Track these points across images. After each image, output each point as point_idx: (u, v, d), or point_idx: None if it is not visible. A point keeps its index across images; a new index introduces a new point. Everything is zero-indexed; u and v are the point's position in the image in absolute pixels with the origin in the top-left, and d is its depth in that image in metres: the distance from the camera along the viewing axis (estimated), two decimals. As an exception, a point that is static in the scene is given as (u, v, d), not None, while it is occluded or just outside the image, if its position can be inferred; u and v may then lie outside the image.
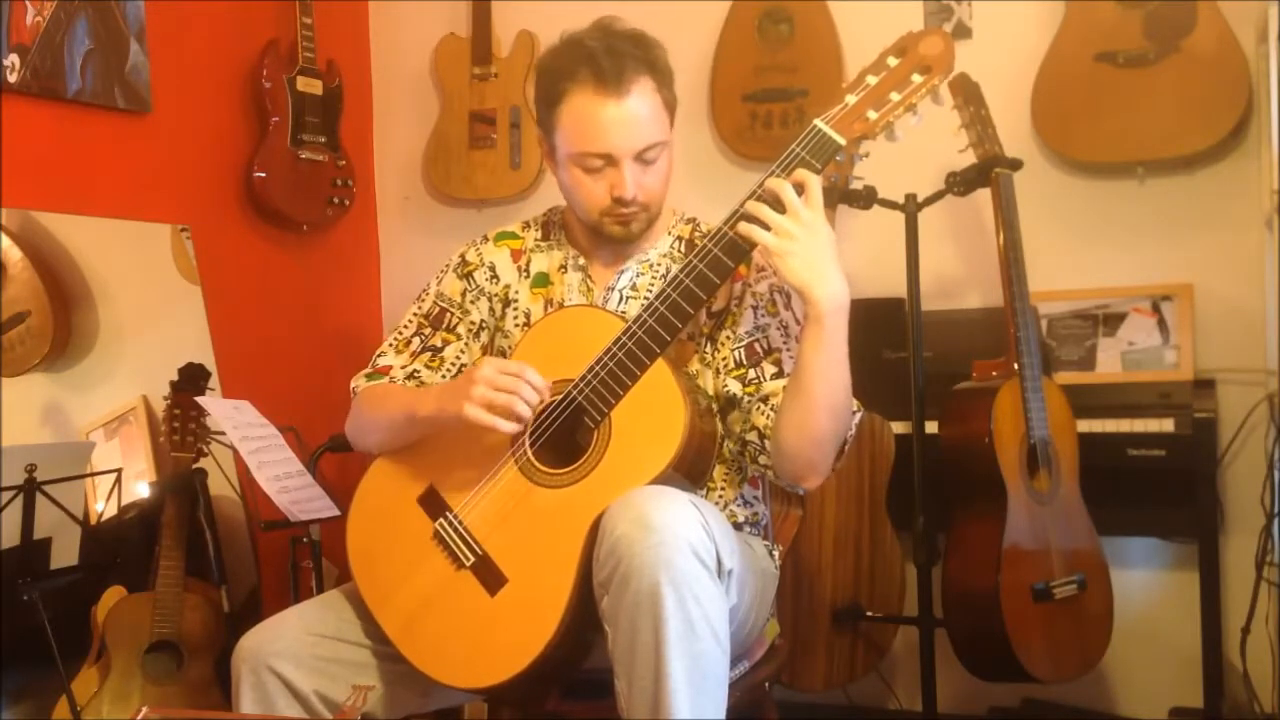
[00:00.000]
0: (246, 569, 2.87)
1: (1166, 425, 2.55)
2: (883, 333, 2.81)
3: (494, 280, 1.94)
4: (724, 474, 1.88)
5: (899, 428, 2.69)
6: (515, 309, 1.93)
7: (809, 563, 2.66)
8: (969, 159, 2.58)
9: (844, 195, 2.54)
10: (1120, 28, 2.74)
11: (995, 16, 2.97)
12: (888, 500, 2.73)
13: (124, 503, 2.54)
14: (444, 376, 1.91)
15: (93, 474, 2.43)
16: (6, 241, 2.56)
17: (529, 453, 1.71)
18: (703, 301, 1.69)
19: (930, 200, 2.63)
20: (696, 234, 1.92)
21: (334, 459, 2.88)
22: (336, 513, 2.44)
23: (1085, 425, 2.57)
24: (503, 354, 1.93)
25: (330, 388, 2.40)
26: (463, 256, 1.97)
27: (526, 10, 3.36)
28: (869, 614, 2.69)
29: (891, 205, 2.62)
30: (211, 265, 3.02)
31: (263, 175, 3.15)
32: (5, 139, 2.56)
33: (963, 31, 2.98)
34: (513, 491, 1.71)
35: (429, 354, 1.92)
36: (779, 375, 1.80)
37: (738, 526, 1.87)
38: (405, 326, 1.97)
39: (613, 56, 1.73)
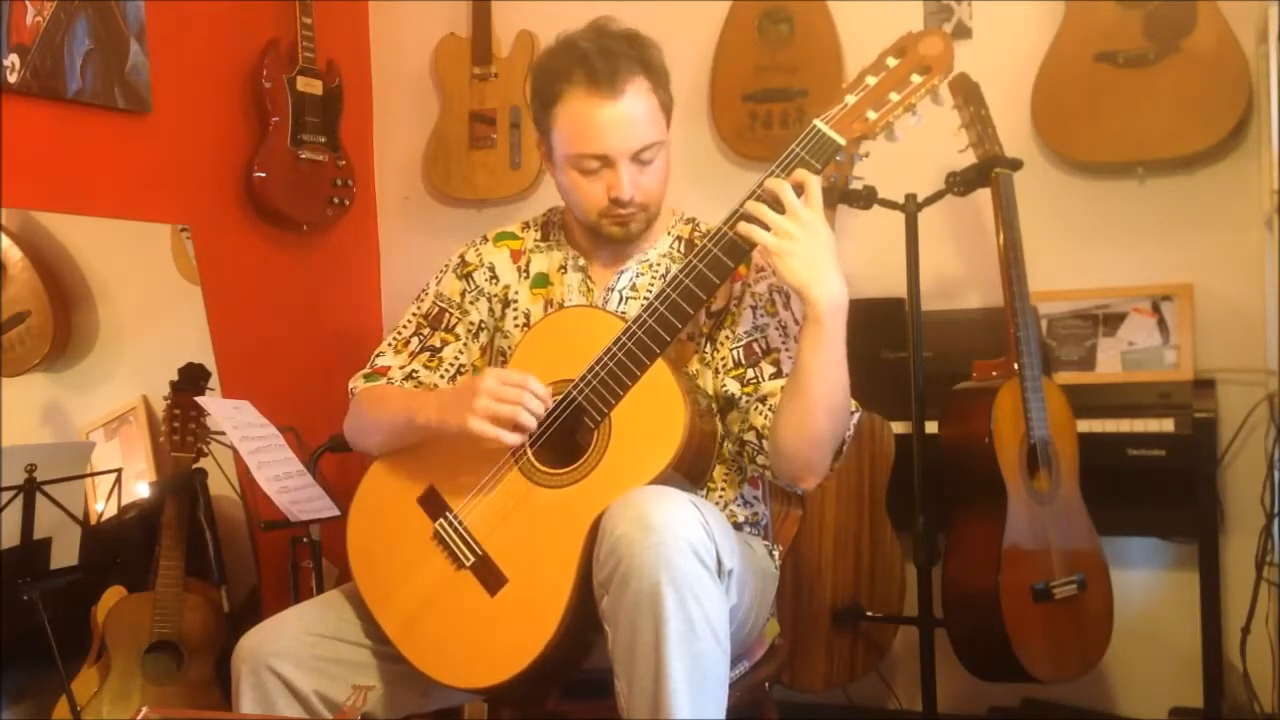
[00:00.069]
0: (246, 569, 2.87)
1: (1166, 425, 2.55)
2: (883, 333, 2.81)
3: (493, 281, 1.94)
4: (724, 474, 1.88)
5: (899, 428, 2.69)
6: (515, 309, 1.93)
7: (809, 563, 2.66)
8: (969, 159, 2.58)
9: (844, 195, 2.54)
10: (1120, 28, 2.74)
11: (995, 16, 2.97)
12: (888, 500, 2.73)
13: (124, 503, 2.54)
14: (442, 377, 1.91)
15: (93, 474, 2.43)
16: (6, 241, 2.57)
17: (529, 453, 1.71)
18: (702, 302, 1.69)
19: (930, 200, 2.63)
20: (696, 234, 1.92)
21: (334, 459, 2.88)
22: (336, 513, 2.44)
23: (1085, 425, 2.57)
24: (502, 354, 1.93)
25: (330, 388, 2.40)
26: (462, 257, 1.97)
27: (526, 10, 3.36)
28: (869, 614, 2.69)
29: (891, 205, 2.62)
30: (211, 265, 3.02)
31: (263, 175, 3.16)
32: (5, 139, 2.56)
33: (963, 31, 2.98)
34: (513, 491, 1.71)
35: (427, 354, 1.92)
36: (777, 375, 1.80)
37: (738, 526, 1.87)
38: (404, 326, 1.97)
39: (607, 57, 1.73)
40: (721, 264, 1.68)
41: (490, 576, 1.68)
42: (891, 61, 1.69)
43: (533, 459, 1.71)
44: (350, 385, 1.94)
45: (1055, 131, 2.85)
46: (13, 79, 2.58)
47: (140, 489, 2.65)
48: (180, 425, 2.52)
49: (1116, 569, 2.61)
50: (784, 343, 1.83)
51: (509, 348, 1.91)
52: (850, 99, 1.68)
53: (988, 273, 2.76)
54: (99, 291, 2.74)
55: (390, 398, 1.86)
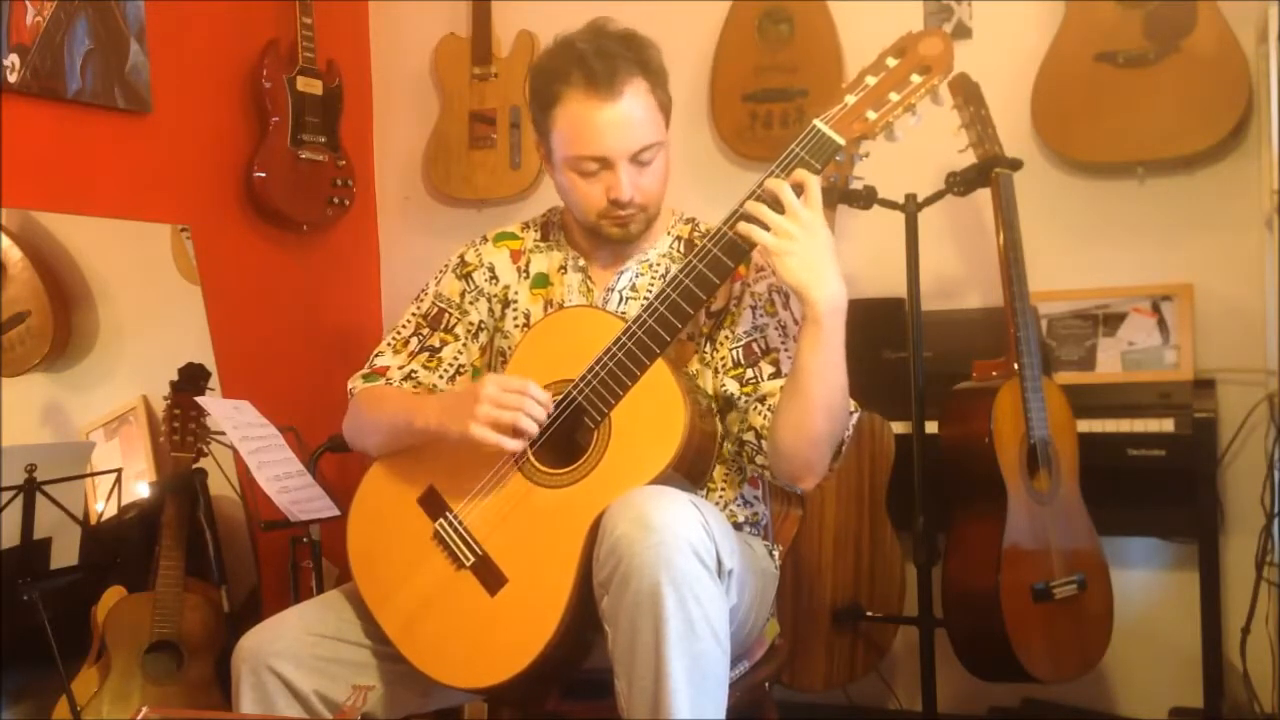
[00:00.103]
0: (246, 569, 2.87)
1: (1166, 425, 2.55)
2: (883, 333, 2.81)
3: (493, 281, 1.94)
4: (724, 474, 1.88)
5: (899, 428, 2.69)
6: (515, 310, 1.93)
7: (809, 563, 2.66)
8: (969, 159, 2.58)
9: (844, 195, 2.54)
10: (1120, 28, 2.74)
11: (995, 16, 2.97)
12: (888, 500, 2.73)
13: (124, 503, 2.54)
14: (441, 377, 1.91)
15: (93, 474, 2.43)
16: (6, 241, 2.57)
17: (529, 453, 1.71)
18: (702, 301, 1.69)
19: (930, 200, 2.63)
20: (696, 234, 1.92)
21: (334, 459, 2.88)
22: (336, 513, 2.44)
23: (1085, 425, 2.57)
24: (502, 354, 1.93)
25: (330, 388, 2.40)
26: (462, 257, 1.97)
27: (526, 10, 3.36)
28: (869, 614, 2.69)
29: (891, 205, 2.62)
30: (211, 265, 3.02)
31: (263, 175, 3.16)
32: (5, 139, 2.56)
33: (963, 31, 2.98)
34: (513, 492, 1.71)
35: (426, 354, 1.92)
36: (776, 375, 1.80)
37: (738, 526, 1.87)
38: (403, 326, 1.97)
39: (604, 59, 1.73)
40: (721, 264, 1.68)
41: (490, 576, 1.68)
42: (891, 61, 1.69)
43: (533, 459, 1.71)
44: (349, 385, 1.94)
45: (1055, 131, 2.85)
46: (13, 79, 2.58)
47: (140, 489, 2.65)
48: (180, 425, 2.52)
49: (1116, 569, 2.61)
50: (783, 343, 1.83)
51: (509, 348, 1.91)
52: (850, 99, 1.68)
53: (988, 273, 2.76)
54: (99, 291, 2.74)
55: (389, 399, 1.86)
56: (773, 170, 1.67)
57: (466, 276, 1.95)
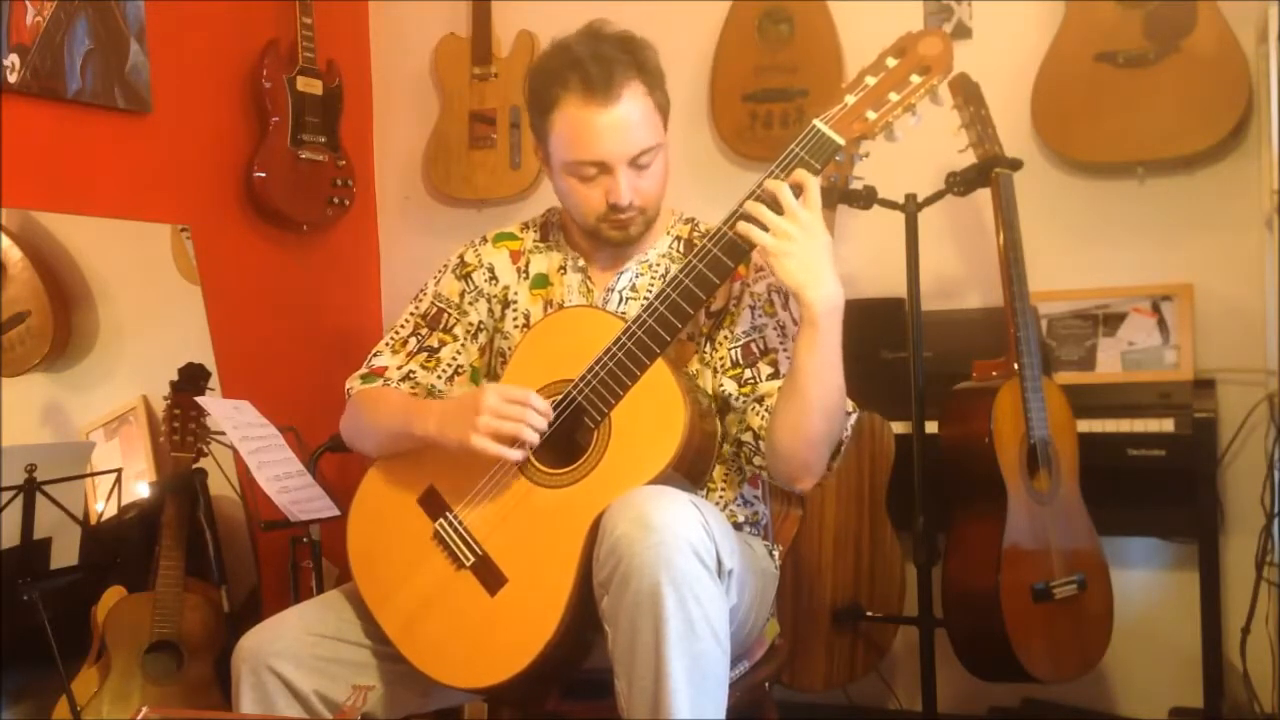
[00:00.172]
0: (246, 569, 2.87)
1: (1166, 425, 2.56)
2: (882, 333, 2.81)
3: (493, 281, 1.94)
4: (724, 474, 1.88)
5: (899, 428, 2.69)
6: (514, 310, 1.93)
7: (809, 563, 2.66)
8: (969, 159, 2.58)
9: (844, 195, 2.54)
10: (1120, 28, 2.74)
11: (995, 16, 2.97)
12: (888, 500, 2.73)
13: (124, 503, 2.54)
14: (439, 377, 1.91)
15: (93, 474, 2.42)
16: (6, 241, 2.57)
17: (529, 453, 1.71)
18: (702, 302, 1.69)
19: (930, 200, 2.63)
20: (695, 234, 1.92)
21: (334, 459, 2.88)
22: (336, 513, 2.44)
23: (1085, 425, 2.57)
24: (502, 355, 1.93)
25: (330, 388, 2.40)
26: (461, 257, 1.97)
27: (526, 10, 3.36)
28: (869, 614, 2.69)
29: (891, 205, 2.62)
30: (211, 265, 3.02)
31: (263, 175, 3.16)
32: (5, 139, 2.56)
33: (963, 31, 2.98)
34: (513, 492, 1.71)
35: (425, 354, 1.92)
36: (775, 376, 1.80)
37: (738, 526, 1.87)
38: (402, 326, 1.97)
39: (600, 62, 1.72)
40: (721, 264, 1.68)
41: (490, 576, 1.68)
42: (891, 61, 1.69)
43: (533, 459, 1.71)
44: (347, 385, 1.94)
45: (1055, 131, 2.85)
46: (13, 79, 2.58)
47: (140, 489, 2.65)
48: (180, 425, 2.52)
49: (1116, 569, 2.61)
50: (782, 343, 1.83)
51: (508, 348, 1.91)
52: (850, 99, 1.68)
53: (988, 273, 2.76)
54: (99, 291, 2.74)
55: (387, 402, 1.86)
56: (772, 170, 1.67)
57: (466, 277, 1.95)
